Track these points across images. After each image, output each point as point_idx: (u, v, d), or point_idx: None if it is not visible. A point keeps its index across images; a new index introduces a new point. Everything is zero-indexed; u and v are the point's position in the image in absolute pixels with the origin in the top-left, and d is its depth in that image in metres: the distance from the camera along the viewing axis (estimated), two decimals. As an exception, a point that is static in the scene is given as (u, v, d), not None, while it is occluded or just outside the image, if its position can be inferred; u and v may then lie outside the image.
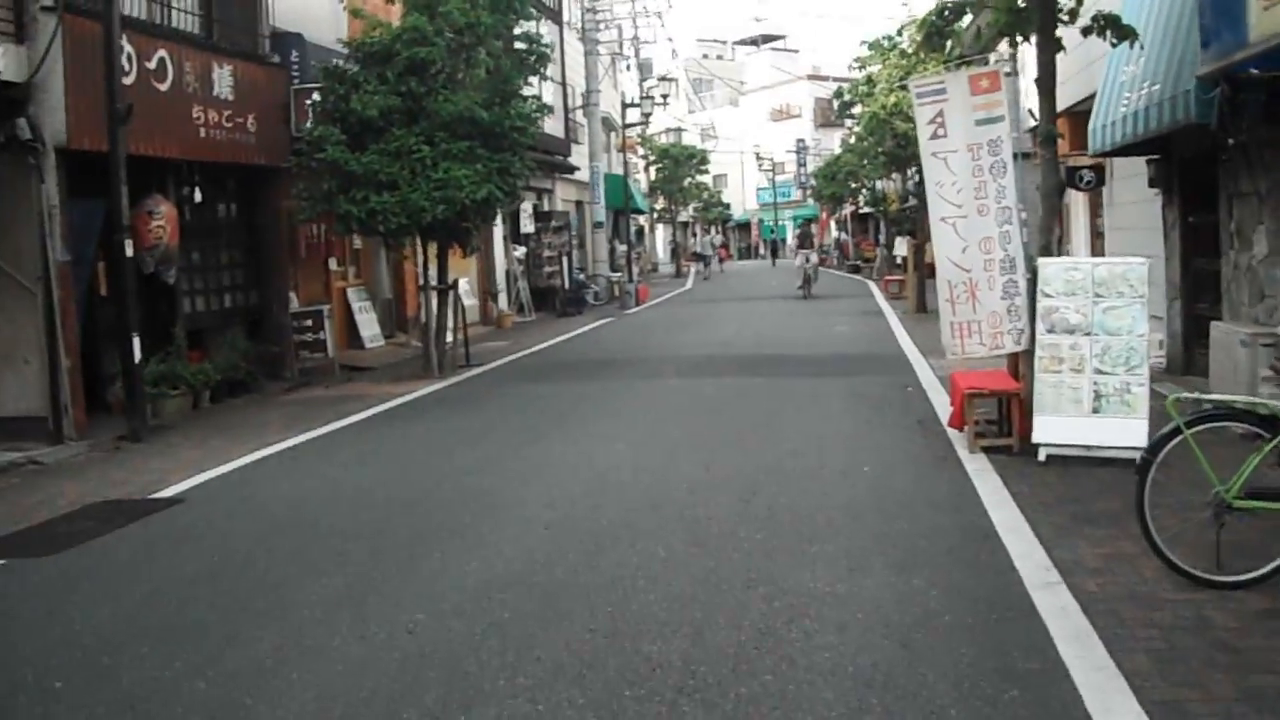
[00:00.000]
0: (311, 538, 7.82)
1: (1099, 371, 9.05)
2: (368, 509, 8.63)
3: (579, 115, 35.56)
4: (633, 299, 31.98)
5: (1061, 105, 10.89)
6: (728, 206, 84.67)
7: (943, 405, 12.13)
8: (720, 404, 12.99)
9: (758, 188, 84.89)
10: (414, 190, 15.92)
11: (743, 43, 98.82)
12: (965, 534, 7.18)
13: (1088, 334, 9.10)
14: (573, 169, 33.48)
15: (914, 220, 50.63)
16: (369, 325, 21.95)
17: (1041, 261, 9.42)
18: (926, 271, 25.21)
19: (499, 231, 28.49)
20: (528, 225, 29.62)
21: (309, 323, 17.64)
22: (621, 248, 43.48)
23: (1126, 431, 8.91)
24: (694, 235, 66.27)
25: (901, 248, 44.02)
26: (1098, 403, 9.05)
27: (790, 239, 51.26)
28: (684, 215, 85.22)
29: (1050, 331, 9.21)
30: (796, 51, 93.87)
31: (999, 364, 10.81)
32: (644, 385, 14.93)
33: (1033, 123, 11.73)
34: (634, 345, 20.75)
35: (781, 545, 7.07)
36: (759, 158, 78.45)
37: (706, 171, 56.78)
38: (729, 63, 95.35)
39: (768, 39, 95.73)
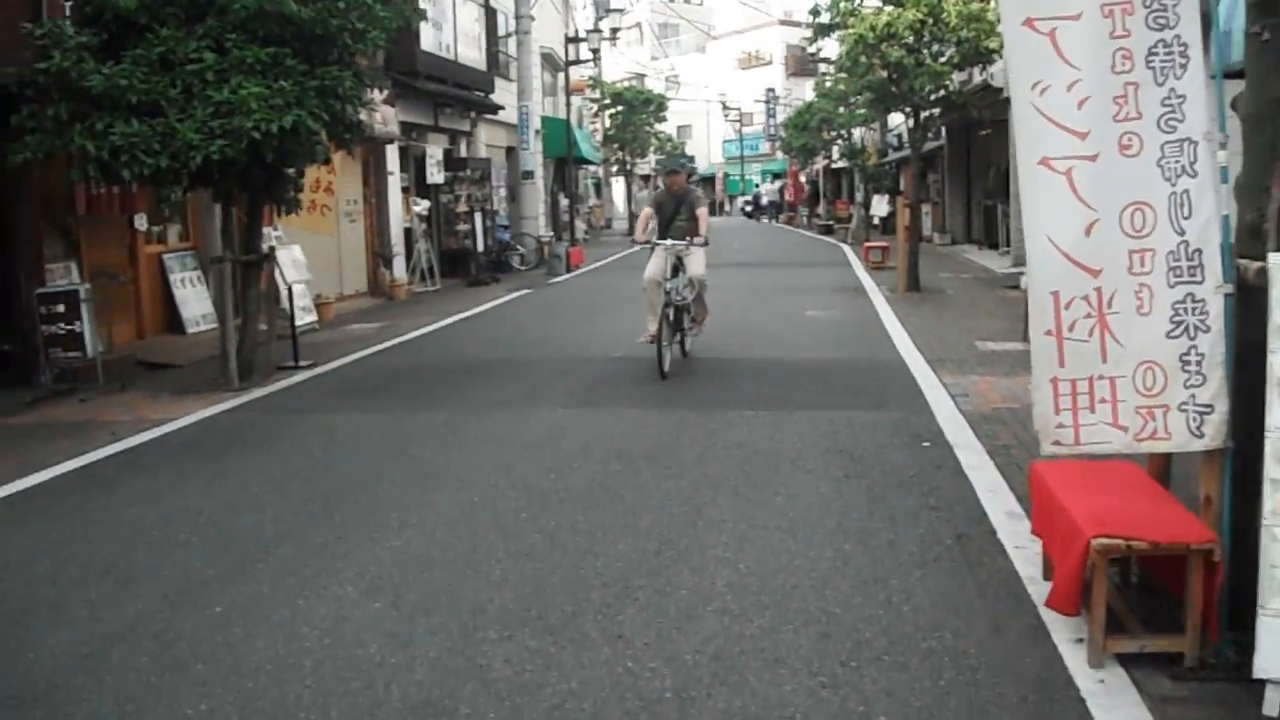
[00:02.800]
0: None
1: None
2: None
3: (511, 47, 30.14)
4: (562, 264, 26.69)
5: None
6: (692, 159, 79.30)
7: (988, 488, 7.03)
8: (611, 473, 7.75)
9: (724, 140, 79.53)
10: (184, 117, 10.67)
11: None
12: None
13: (1385, 431, 3.94)
14: (496, 108, 28.03)
15: (896, 176, 45.77)
16: (195, 303, 16.71)
17: (1274, 260, 4.17)
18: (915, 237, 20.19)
19: (395, 181, 23.17)
20: (435, 174, 24.28)
21: (60, 308, 12.34)
22: (565, 202, 38.34)
23: None
24: (641, 190, 60.35)
25: (880, 207, 38.99)
26: (1406, 591, 3.90)
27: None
28: (644, 168, 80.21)
29: (1303, 423, 4.03)
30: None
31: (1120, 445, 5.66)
32: (507, 420, 9.67)
33: None
34: (534, 335, 15.51)
35: None
36: (725, 107, 72.97)
37: (664, 119, 51.01)
38: (697, 7, 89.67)
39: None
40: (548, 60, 38.84)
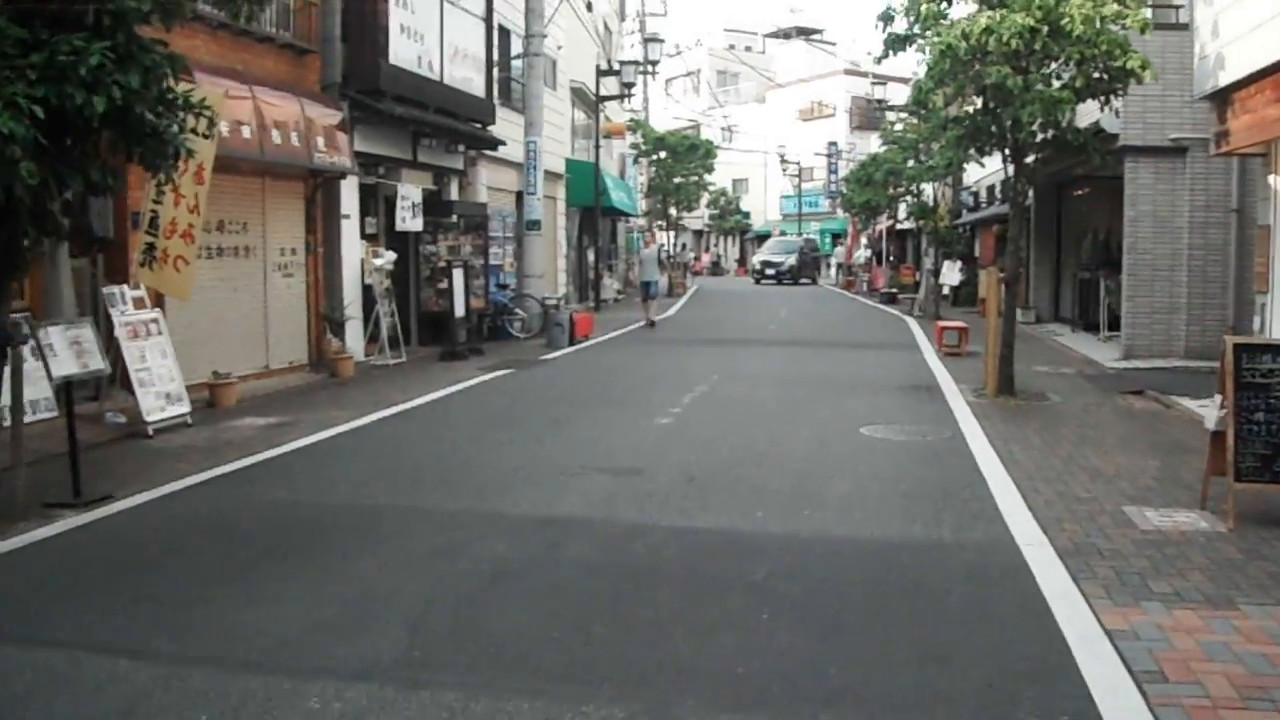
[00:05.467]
0: None
1: None
2: None
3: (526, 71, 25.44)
4: (564, 334, 21.87)
5: None
6: (746, 215, 75.01)
7: None
8: None
9: (781, 195, 74.66)
10: None
11: (774, 35, 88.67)
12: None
13: None
14: (495, 143, 23.24)
15: (971, 240, 40.50)
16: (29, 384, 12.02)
17: None
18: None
19: (352, 227, 18.49)
20: (408, 219, 19.57)
21: None
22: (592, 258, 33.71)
23: None
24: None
25: (951, 275, 33.95)
26: None
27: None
28: (697, 223, 75.67)
29: None
30: (834, 44, 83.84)
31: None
32: (244, 713, 4.85)
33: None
34: (461, 456, 10.64)
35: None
36: (783, 160, 68.13)
37: (713, 168, 45.83)
38: (759, 55, 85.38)
39: (802, 32, 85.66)
40: (579, 96, 34.32)
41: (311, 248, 17.63)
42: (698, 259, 75.31)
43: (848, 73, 70.73)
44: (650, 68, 34.82)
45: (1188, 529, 7.89)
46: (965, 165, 31.05)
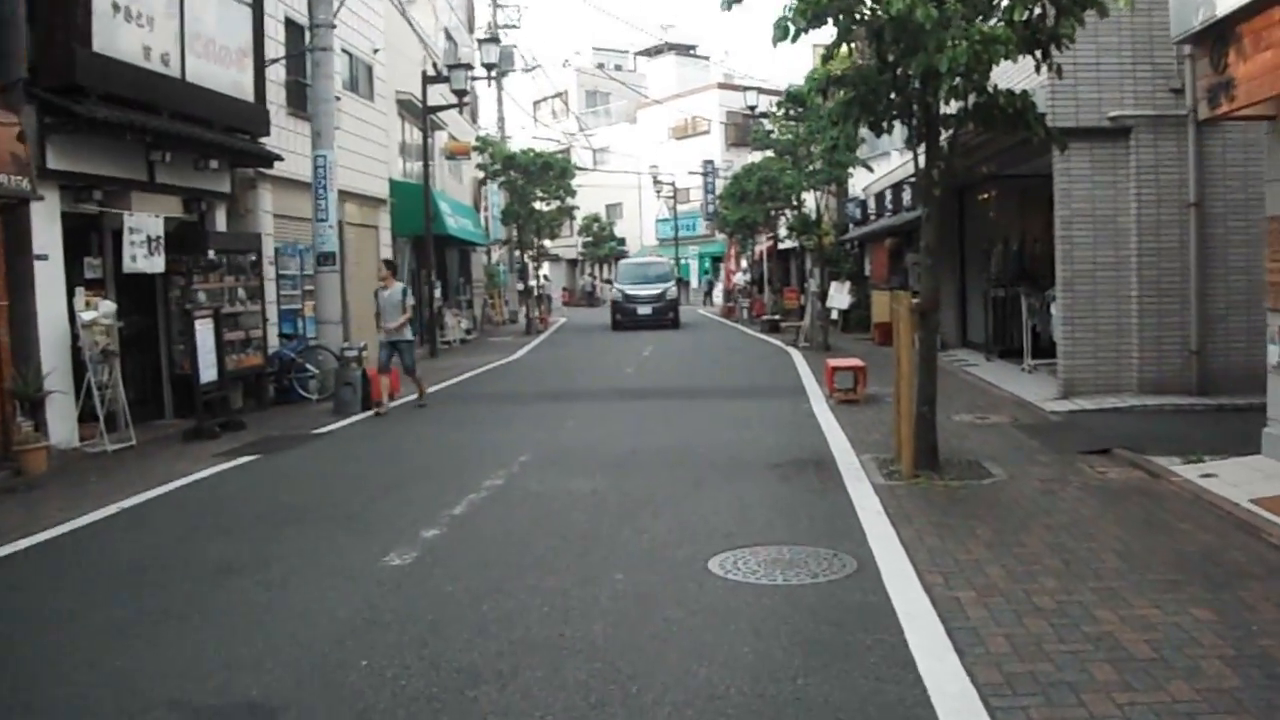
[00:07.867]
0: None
1: None
2: None
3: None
4: (357, 396, 17.22)
5: None
6: (621, 241, 70.89)
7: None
8: None
9: (657, 219, 70.57)
10: None
11: (646, 53, 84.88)
12: None
13: None
14: (270, 158, 18.48)
15: (860, 257, 36.36)
16: None
17: None
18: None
19: (53, 270, 13.78)
20: (140, 258, 14.90)
21: None
22: (439, 294, 29.06)
23: None
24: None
25: (840, 298, 29.93)
26: None
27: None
28: (570, 251, 71.66)
29: None
30: (707, 59, 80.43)
31: None
32: None
33: None
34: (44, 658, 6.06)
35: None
36: (657, 181, 63.92)
37: (572, 190, 40.76)
38: (630, 73, 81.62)
39: (674, 48, 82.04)
40: (409, 110, 29.78)
41: (-15, 301, 12.92)
42: (566, 290, 71.67)
43: (722, 86, 67.20)
44: (490, 73, 30.34)
45: None
46: (852, 171, 27.12)
